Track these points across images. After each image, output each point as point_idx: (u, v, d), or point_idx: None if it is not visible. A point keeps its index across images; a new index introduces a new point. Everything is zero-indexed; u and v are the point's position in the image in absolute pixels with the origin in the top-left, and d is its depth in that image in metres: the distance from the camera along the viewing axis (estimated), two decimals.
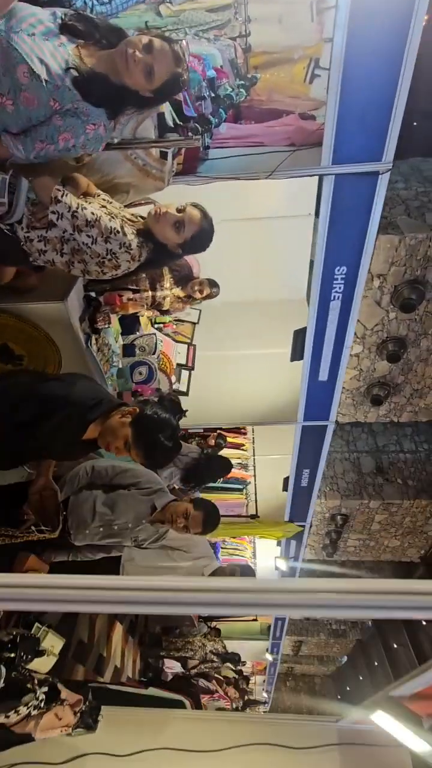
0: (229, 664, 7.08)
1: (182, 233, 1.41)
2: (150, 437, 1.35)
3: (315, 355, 2.68)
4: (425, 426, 7.20)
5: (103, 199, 1.41)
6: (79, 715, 1.53)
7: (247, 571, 2.36)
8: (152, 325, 3.41)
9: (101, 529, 1.80)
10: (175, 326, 3.71)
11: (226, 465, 3.53)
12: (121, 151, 1.59)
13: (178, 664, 5.12)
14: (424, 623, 8.60)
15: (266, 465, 4.71)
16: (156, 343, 2.72)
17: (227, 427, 4.49)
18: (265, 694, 12.09)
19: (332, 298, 2.33)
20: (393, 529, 7.70)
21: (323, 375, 2.84)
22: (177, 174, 1.81)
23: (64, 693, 1.45)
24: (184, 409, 2.11)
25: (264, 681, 10.91)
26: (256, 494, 4.38)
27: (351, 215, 1.93)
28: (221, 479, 4.09)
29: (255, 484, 4.50)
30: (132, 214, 1.46)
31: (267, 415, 3.22)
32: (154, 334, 2.73)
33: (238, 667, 9.02)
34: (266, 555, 5.40)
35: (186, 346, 3.67)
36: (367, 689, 12.17)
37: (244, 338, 3.71)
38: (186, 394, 3.40)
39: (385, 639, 10.87)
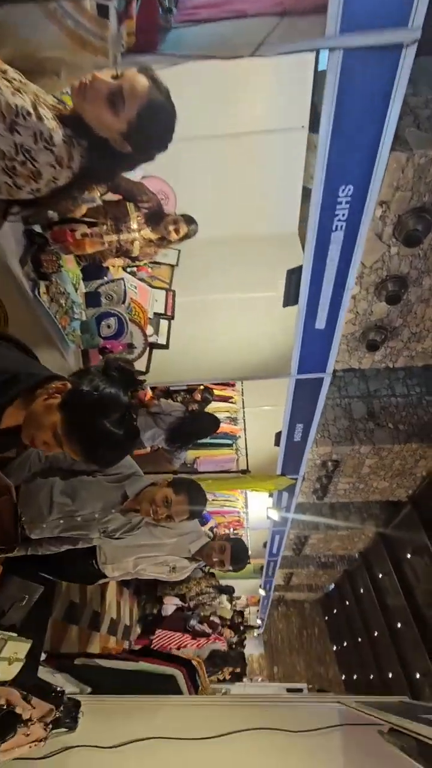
0: (225, 597, 7.38)
1: (122, 111, 0.96)
2: (88, 424, 0.98)
3: (312, 299, 2.30)
4: (418, 370, 6.99)
5: (12, 77, 0.96)
6: (51, 725, 1.34)
7: (240, 550, 2.16)
8: (124, 270, 2.97)
9: (61, 521, 1.52)
10: (150, 269, 3.25)
11: (214, 422, 3.26)
12: (41, 6, 1.10)
13: (177, 599, 5.22)
14: (409, 556, 9.02)
15: (257, 418, 4.47)
16: (125, 289, 2.31)
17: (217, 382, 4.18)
18: (258, 621, 13.00)
19: (334, 228, 1.91)
20: (382, 472, 7.76)
21: (320, 322, 2.49)
22: (129, 51, 1.31)
23: (27, 711, 1.24)
24: (141, 377, 1.75)
25: (257, 610, 11.63)
26: (246, 449, 4.18)
27: (361, 111, 1.47)
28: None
29: (245, 438, 4.29)
30: (55, 98, 1.01)
31: (257, 369, 2.90)
32: (122, 279, 2.31)
33: (234, 602, 9.50)
34: (258, 505, 5.36)
35: (164, 292, 3.24)
36: (353, 613, 13.13)
37: (229, 281, 3.28)
38: (165, 347, 3.03)
39: (370, 569, 11.51)
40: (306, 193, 3.36)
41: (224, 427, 4.39)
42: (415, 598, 9.27)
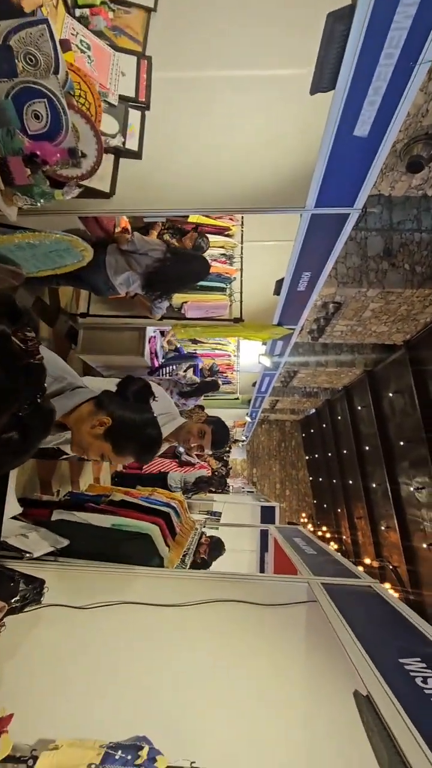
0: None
1: None
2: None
3: (359, 81, 1.43)
4: None
5: None
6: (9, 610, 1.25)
7: (221, 434, 1.88)
8: (68, 12, 1.92)
9: None
10: (112, 14, 2.09)
11: (202, 266, 2.64)
12: None
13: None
14: (392, 394, 9.47)
15: (257, 258, 3.76)
16: (55, 46, 1.39)
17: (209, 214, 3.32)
18: (243, 437, 14.69)
19: None
20: (385, 317, 7.37)
21: (363, 126, 1.64)
22: None
23: None
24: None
25: (243, 430, 12.94)
26: (241, 294, 3.63)
27: None
28: None
29: (241, 282, 3.68)
30: None
31: (261, 195, 2.12)
32: (45, 22, 1.36)
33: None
34: (250, 350, 5.11)
35: (134, 59, 2.15)
36: (328, 433, 14.73)
37: (233, 45, 2.15)
38: (137, 155, 2.16)
39: (351, 401, 12.36)
40: None
41: (217, 266, 3.73)
42: (387, 429, 10.16)
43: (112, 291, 2.59)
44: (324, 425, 15.18)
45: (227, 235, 3.77)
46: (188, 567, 2.51)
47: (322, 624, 1.49)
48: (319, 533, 15.04)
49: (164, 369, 4.32)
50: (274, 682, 1.54)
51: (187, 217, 3.36)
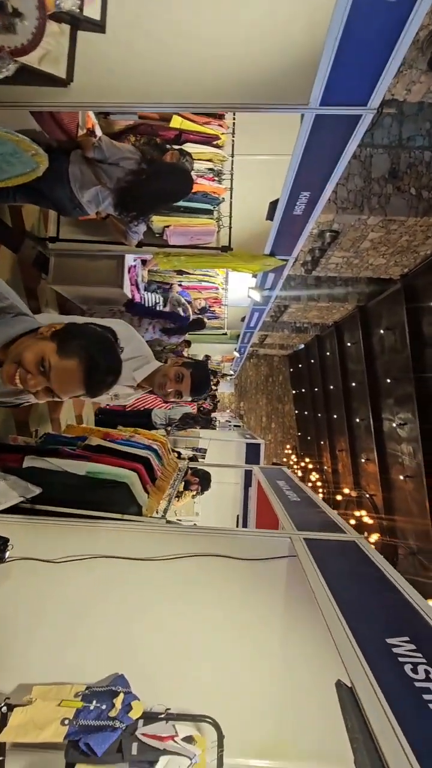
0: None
1: None
2: None
3: None
4: None
5: None
6: None
7: (201, 378, 1.67)
8: None
9: None
10: None
11: (184, 181, 2.25)
12: None
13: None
14: (383, 331, 9.28)
15: (249, 175, 3.30)
16: None
17: (193, 111, 2.83)
18: (231, 372, 14.64)
19: None
20: (384, 248, 6.94)
21: None
22: None
23: None
24: None
25: (231, 365, 12.84)
26: (231, 218, 3.23)
27: None
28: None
29: (230, 203, 3.26)
30: None
31: (255, 87, 1.71)
32: None
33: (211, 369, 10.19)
34: (239, 282, 4.76)
35: None
36: (315, 369, 14.75)
37: None
38: (99, 26, 1.70)
39: (341, 337, 12.18)
40: None
41: (204, 184, 3.28)
42: (375, 366, 10.13)
43: (79, 210, 2.22)
44: (312, 361, 15.14)
45: (215, 146, 3.27)
46: (168, 511, 2.45)
47: (303, 579, 1.43)
48: (302, 464, 15.71)
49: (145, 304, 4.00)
50: (252, 632, 1.51)
51: (168, 121, 2.86)
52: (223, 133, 3.26)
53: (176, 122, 2.97)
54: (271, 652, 1.50)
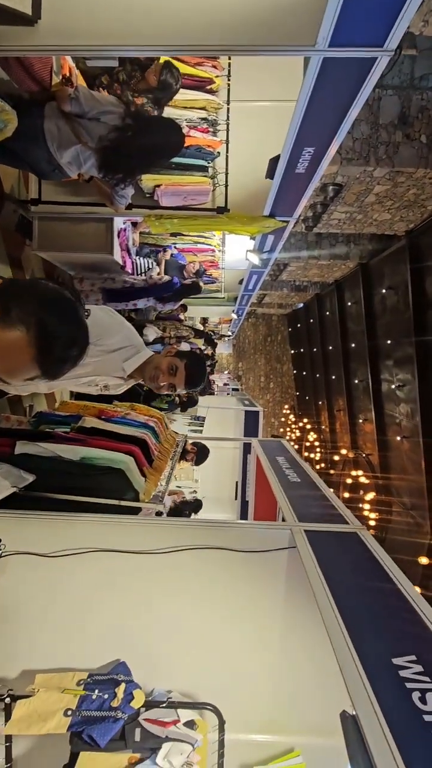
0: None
1: None
2: None
3: None
4: None
5: None
6: None
7: (196, 370, 1.55)
8: None
9: None
10: None
11: (173, 136, 2.02)
12: None
13: (156, 328, 5.14)
14: (385, 291, 9.00)
15: (247, 124, 3.00)
16: None
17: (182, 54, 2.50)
18: (229, 332, 14.42)
19: None
20: (389, 203, 6.55)
21: None
22: None
23: None
24: None
25: (229, 326, 12.61)
26: (227, 175, 2.97)
27: None
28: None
29: (226, 159, 2.98)
30: None
31: (255, 26, 1.46)
32: None
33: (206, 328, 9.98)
34: (237, 244, 4.51)
35: None
36: (314, 328, 14.52)
37: None
38: None
39: (341, 296, 11.87)
40: None
41: (197, 137, 2.99)
42: (375, 327, 9.94)
43: (59, 173, 2.00)
44: (311, 320, 14.87)
45: (209, 91, 2.94)
46: (167, 490, 2.42)
47: (303, 569, 1.41)
48: (300, 424, 15.88)
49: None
50: (251, 620, 1.51)
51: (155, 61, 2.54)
52: (217, 76, 2.93)
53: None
54: (270, 638, 1.50)
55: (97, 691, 1.45)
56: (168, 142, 1.99)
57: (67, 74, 2.02)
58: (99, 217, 3.22)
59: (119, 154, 1.86)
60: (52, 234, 3.31)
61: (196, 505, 4.39)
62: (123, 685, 1.44)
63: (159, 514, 1.96)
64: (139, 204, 3.07)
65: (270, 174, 2.57)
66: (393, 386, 9.18)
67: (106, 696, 1.43)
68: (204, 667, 1.49)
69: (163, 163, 2.09)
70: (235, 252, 4.66)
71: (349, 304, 11.17)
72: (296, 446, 16.11)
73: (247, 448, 5.16)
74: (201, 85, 2.90)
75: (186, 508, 4.27)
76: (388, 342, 9.11)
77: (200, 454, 4.32)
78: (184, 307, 6.50)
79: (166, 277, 3.98)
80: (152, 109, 2.30)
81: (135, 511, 2.00)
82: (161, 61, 2.34)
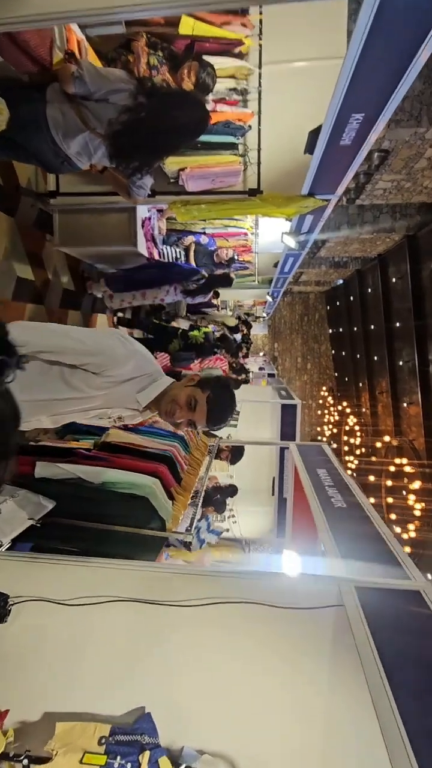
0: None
1: None
2: None
3: None
4: None
5: None
6: None
7: (221, 406, 1.30)
8: None
9: None
10: None
11: (195, 114, 1.72)
12: None
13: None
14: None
15: (282, 92, 2.62)
16: None
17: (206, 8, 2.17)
18: (264, 314, 13.97)
19: None
20: None
21: None
22: None
23: None
24: None
25: (264, 308, 12.17)
26: (259, 152, 2.63)
27: None
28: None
29: (258, 133, 2.63)
30: None
31: None
32: None
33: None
34: (271, 227, 4.14)
35: None
36: (355, 307, 13.76)
37: None
38: None
39: (385, 272, 11.07)
40: None
41: (225, 111, 2.65)
42: (423, 303, 9.20)
43: (67, 165, 1.77)
44: (351, 298, 14.07)
45: (238, 56, 2.58)
46: (199, 507, 2.24)
47: (351, 637, 1.18)
48: (339, 408, 15.32)
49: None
50: (292, 686, 1.32)
51: (175, 26, 2.22)
52: (247, 36, 2.55)
53: (187, 26, 2.32)
54: (313, 705, 1.30)
55: (119, 758, 1.31)
56: (190, 122, 1.70)
57: (74, 50, 1.76)
58: (121, 207, 2.98)
59: (132, 140, 1.60)
60: (73, 227, 3.12)
61: (231, 491, 4.22)
62: (147, 754, 1.29)
63: (187, 545, 1.79)
64: (163, 191, 2.80)
65: (309, 148, 2.22)
66: None
67: (128, 766, 1.29)
68: (232, 724, 1.32)
69: (184, 145, 1.80)
70: (269, 234, 4.30)
71: (394, 279, 10.39)
72: (335, 430, 15.61)
73: (285, 439, 4.91)
74: (228, 48, 2.54)
75: (220, 494, 4.11)
76: None
77: (235, 453, 4.12)
78: (216, 293, 6.22)
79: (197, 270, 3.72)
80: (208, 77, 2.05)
81: (160, 542, 1.84)
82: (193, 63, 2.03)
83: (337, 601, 1.28)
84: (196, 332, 4.42)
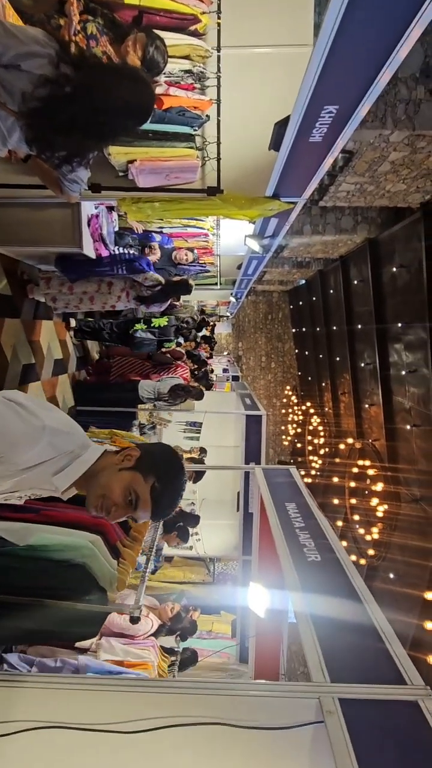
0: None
1: None
2: None
3: None
4: None
5: None
6: None
7: (163, 504, 1.00)
8: None
9: None
10: None
11: (136, 89, 1.40)
12: None
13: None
14: (395, 269, 8.28)
15: (244, 77, 2.33)
16: None
17: None
18: (227, 313, 13.77)
19: None
20: (405, 172, 5.80)
21: None
22: None
23: None
24: None
25: (227, 308, 11.95)
26: (218, 146, 2.32)
27: None
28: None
29: (218, 123, 2.33)
30: None
31: None
32: None
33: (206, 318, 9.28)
34: (233, 228, 3.86)
35: None
36: (318, 307, 13.82)
37: None
38: None
39: (346, 273, 11.11)
40: None
41: (178, 96, 2.33)
42: (384, 307, 9.28)
43: None
44: (314, 298, 14.11)
45: (193, 34, 2.27)
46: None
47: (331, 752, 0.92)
48: (303, 407, 15.40)
49: (116, 265, 3.18)
50: None
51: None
52: (203, 13, 2.24)
53: None
54: None
55: None
56: (131, 103, 1.37)
57: None
58: (61, 202, 2.60)
59: (55, 121, 1.25)
60: (6, 224, 2.70)
61: (194, 520, 3.95)
62: None
63: (134, 621, 1.48)
64: (111, 185, 2.44)
65: (275, 144, 1.95)
66: (403, 372, 8.62)
67: None
68: None
69: (125, 132, 1.47)
70: (232, 235, 4.02)
71: (356, 282, 10.44)
72: (299, 430, 15.68)
73: (250, 455, 4.67)
74: (182, 24, 2.22)
75: (183, 521, 3.82)
76: (399, 325, 8.48)
77: (198, 473, 3.84)
78: (177, 297, 5.89)
79: (155, 276, 3.38)
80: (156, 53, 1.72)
81: (101, 616, 1.52)
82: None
83: (316, 717, 1.02)
84: (158, 319, 4.34)
